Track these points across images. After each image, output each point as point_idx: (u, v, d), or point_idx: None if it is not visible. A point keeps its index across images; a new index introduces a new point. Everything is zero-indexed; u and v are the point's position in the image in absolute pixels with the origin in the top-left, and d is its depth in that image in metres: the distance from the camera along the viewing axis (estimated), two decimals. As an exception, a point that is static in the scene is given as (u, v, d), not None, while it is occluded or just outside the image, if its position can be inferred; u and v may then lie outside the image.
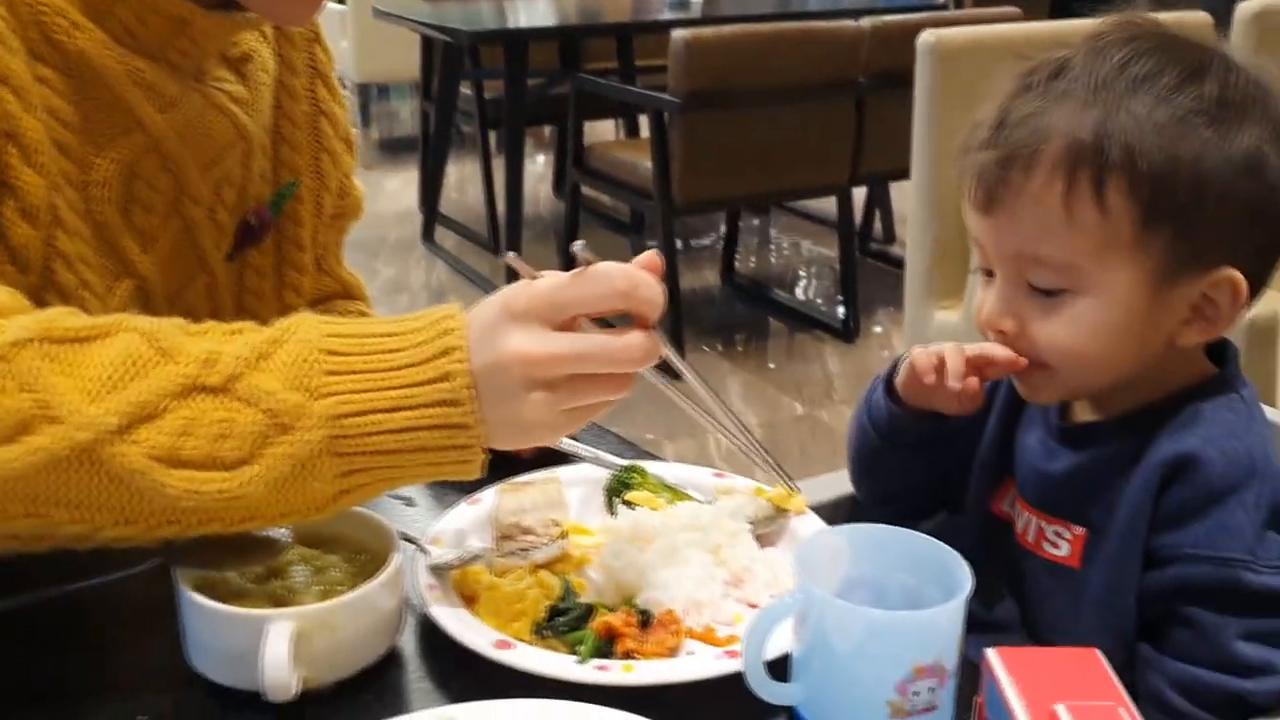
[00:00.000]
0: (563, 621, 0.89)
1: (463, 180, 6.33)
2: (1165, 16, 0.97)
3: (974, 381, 1.00)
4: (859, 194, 4.68)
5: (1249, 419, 0.95)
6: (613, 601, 0.93)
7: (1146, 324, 0.93)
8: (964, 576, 0.80)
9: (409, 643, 0.92)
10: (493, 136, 5.39)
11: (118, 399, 0.76)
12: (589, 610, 0.90)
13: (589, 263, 0.80)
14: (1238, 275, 0.92)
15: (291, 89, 1.16)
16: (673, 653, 0.88)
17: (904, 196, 2.95)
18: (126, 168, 0.96)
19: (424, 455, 0.78)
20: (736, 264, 4.93)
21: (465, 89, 5.15)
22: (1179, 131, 0.89)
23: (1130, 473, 0.94)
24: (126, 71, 0.94)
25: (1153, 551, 0.93)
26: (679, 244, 5.34)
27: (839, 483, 1.27)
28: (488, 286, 4.61)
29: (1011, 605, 1.04)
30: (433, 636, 0.90)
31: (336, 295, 1.29)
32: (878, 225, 5.22)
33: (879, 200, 5.13)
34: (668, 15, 4.87)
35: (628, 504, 1.05)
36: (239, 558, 0.87)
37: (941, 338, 2.74)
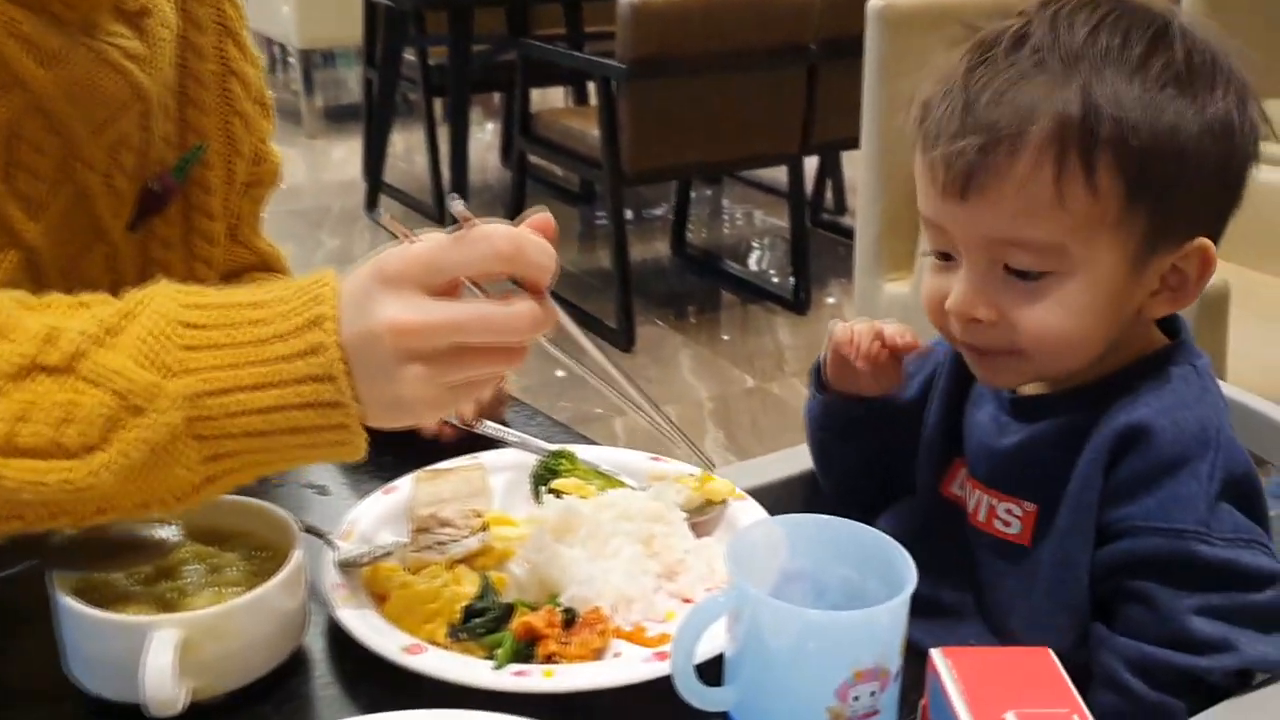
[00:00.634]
0: (480, 623, 0.82)
1: (409, 149, 6.21)
2: None
3: (879, 353, 0.99)
4: (810, 164, 4.63)
5: (1202, 390, 0.92)
6: (535, 599, 0.87)
7: (1122, 301, 0.90)
8: (908, 572, 0.74)
9: (316, 644, 0.86)
10: (439, 104, 5.28)
11: None
12: (509, 610, 0.84)
13: (468, 222, 0.72)
14: (1208, 244, 0.90)
15: (198, 47, 1.08)
16: (598, 655, 0.82)
17: (856, 166, 2.91)
18: (6, 128, 0.89)
19: (296, 436, 0.72)
20: (688, 235, 4.86)
21: (410, 55, 5.04)
22: (1157, 102, 0.85)
23: (1081, 445, 0.91)
24: (1, 22, 0.86)
25: (1104, 526, 0.89)
26: (629, 214, 5.28)
27: (792, 460, 1.21)
28: (434, 258, 4.52)
29: (965, 589, 0.99)
30: (341, 639, 0.84)
31: (253, 267, 1.22)
32: (829, 195, 5.17)
33: (830, 170, 5.08)
34: (616, -20, 4.77)
35: (555, 492, 0.99)
36: (123, 558, 0.79)
37: (892, 309, 2.71)
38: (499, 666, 0.79)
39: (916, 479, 1.05)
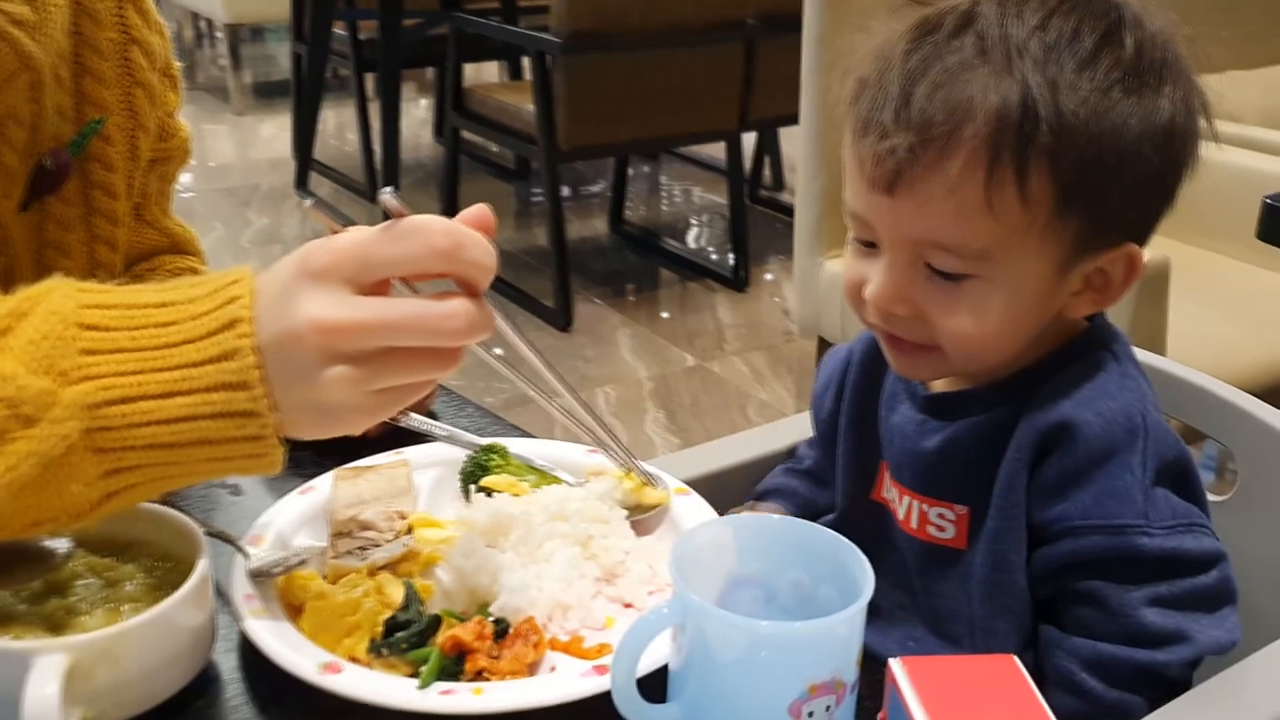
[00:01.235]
0: (403, 637, 0.76)
1: (340, 126, 6.09)
2: None
3: None
4: (749, 140, 4.58)
5: (1122, 376, 0.89)
6: (464, 609, 0.80)
7: (1044, 304, 0.87)
8: (864, 576, 0.69)
9: (226, 662, 0.79)
10: (370, 80, 5.16)
11: None
12: (435, 622, 0.77)
13: (401, 215, 0.67)
14: (1136, 250, 0.87)
15: (94, 13, 1.00)
16: (532, 670, 0.76)
17: (794, 143, 2.86)
18: None
19: (206, 449, 0.65)
20: (626, 212, 4.80)
21: (340, 30, 4.92)
22: (1101, 104, 0.80)
23: (1004, 443, 0.88)
24: None
25: (1041, 527, 0.86)
26: (566, 192, 5.21)
27: (737, 447, 1.15)
28: (366, 237, 4.42)
29: (902, 591, 0.95)
30: (253, 656, 0.77)
31: (162, 250, 1.15)
32: (767, 172, 5.13)
33: (769, 146, 5.04)
34: (550, -47, 4.68)
35: (485, 491, 0.92)
36: (6, 573, 0.72)
37: (832, 287, 2.66)
38: (424, 685, 0.72)
39: (840, 489, 1.02)
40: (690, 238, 4.82)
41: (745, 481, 1.13)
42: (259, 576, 0.81)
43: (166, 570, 0.77)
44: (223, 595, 0.82)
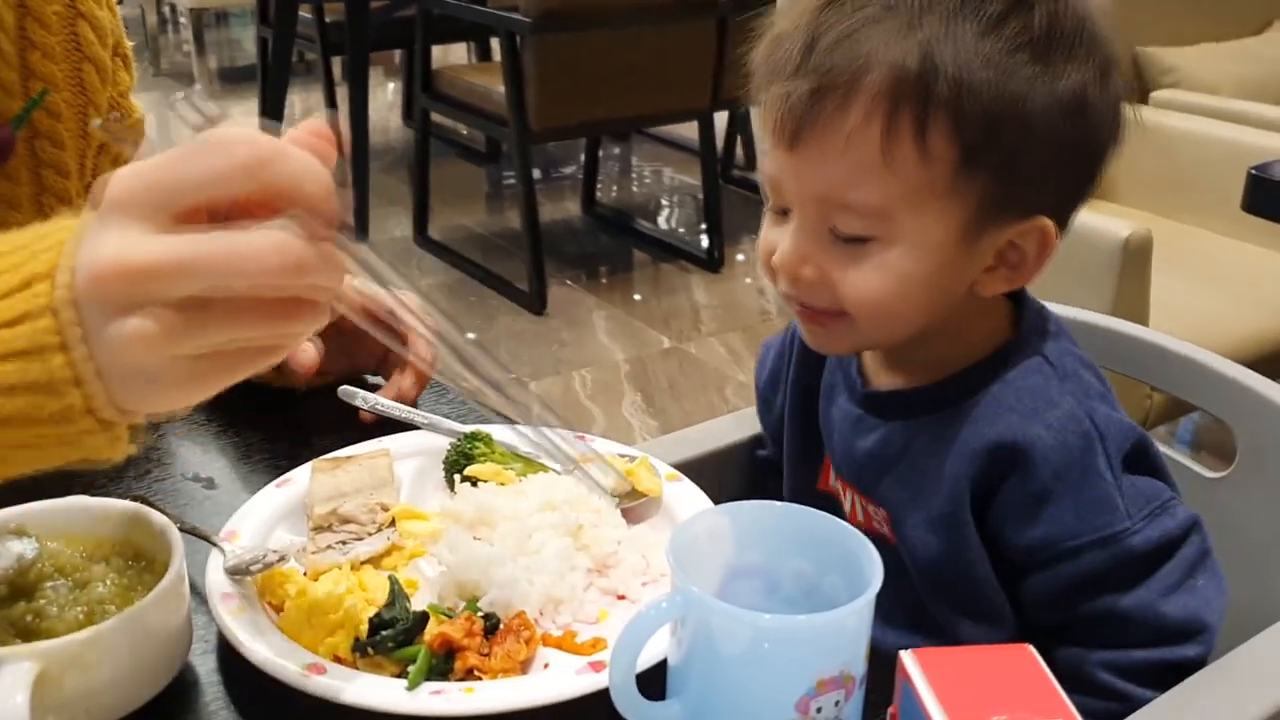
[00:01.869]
0: (389, 635, 0.72)
1: (307, 110, 6.02)
2: None
3: None
4: (720, 119, 4.54)
5: (1060, 378, 0.87)
6: (451, 605, 0.77)
7: (952, 273, 0.85)
8: (871, 565, 0.66)
9: (203, 665, 0.75)
10: (337, 63, 5.09)
11: None
12: (422, 619, 0.74)
13: (212, 123, 0.57)
14: (1049, 224, 0.85)
15: None
16: (524, 667, 0.73)
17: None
18: None
19: (9, 432, 0.56)
20: (598, 194, 4.76)
21: (306, 13, 4.85)
22: (1006, 66, 0.79)
23: (945, 452, 0.87)
24: None
25: (1025, 552, 0.85)
26: (538, 174, 5.16)
27: (725, 429, 1.12)
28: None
29: None
30: (232, 658, 0.73)
31: None
32: (740, 151, 5.09)
33: (741, 126, 5.00)
34: (518, -68, 4.62)
35: (470, 480, 0.89)
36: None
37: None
38: (412, 686, 0.69)
39: (787, 482, 1.02)
40: (663, 219, 4.79)
41: (730, 466, 1.10)
42: (236, 574, 0.77)
43: (139, 570, 0.73)
44: (198, 594, 0.78)
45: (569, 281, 4.04)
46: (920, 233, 0.81)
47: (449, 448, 0.93)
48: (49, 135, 0.99)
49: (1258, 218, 1.95)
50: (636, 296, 3.98)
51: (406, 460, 0.94)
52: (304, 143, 0.57)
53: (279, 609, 0.77)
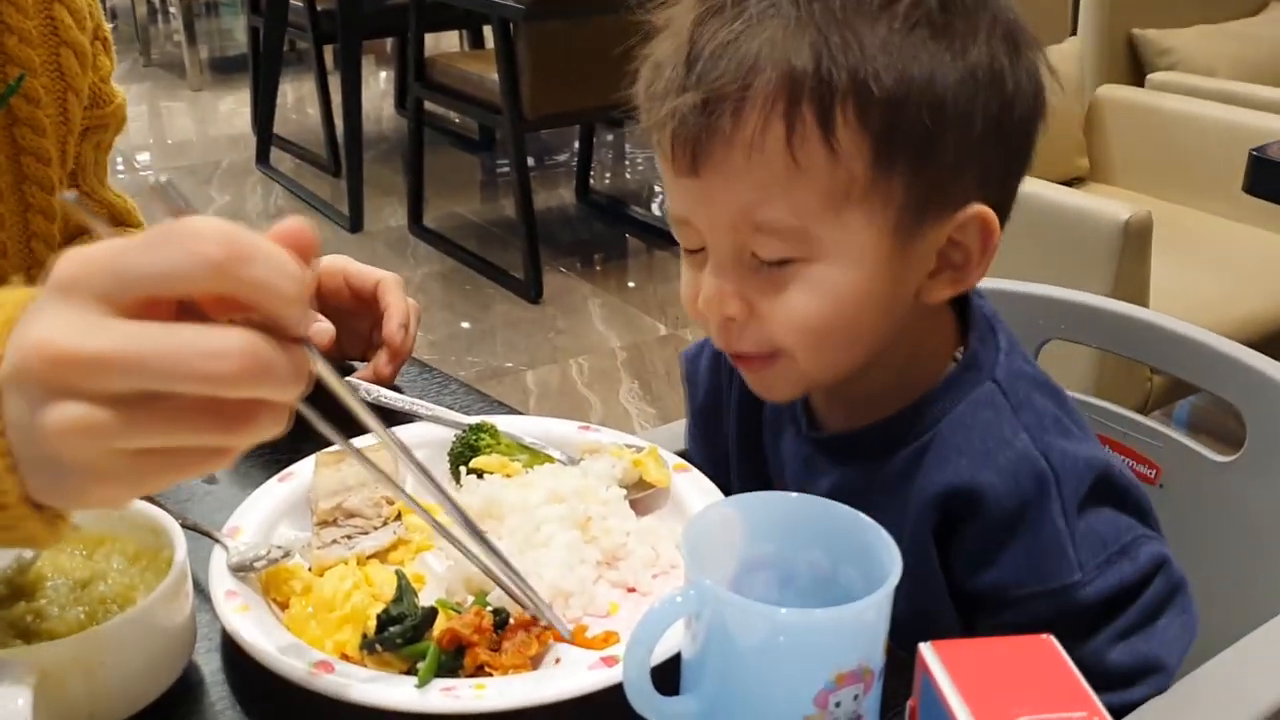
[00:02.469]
0: (397, 632, 0.71)
1: (300, 100, 6.00)
2: None
3: None
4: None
5: (1015, 408, 0.82)
6: (460, 600, 0.76)
7: (890, 284, 0.79)
8: (890, 557, 0.64)
9: (207, 664, 0.74)
10: (329, 52, 5.07)
11: None
12: (430, 615, 0.72)
13: (179, 213, 0.51)
14: (987, 211, 0.79)
15: None
16: (535, 662, 0.72)
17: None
18: None
19: None
20: (592, 181, 4.74)
21: (297, 1, 4.82)
22: (907, 47, 0.74)
23: (905, 498, 0.83)
24: None
25: (976, 596, 0.82)
26: (531, 162, 5.14)
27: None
28: (328, 210, 4.36)
29: None
30: (237, 657, 0.72)
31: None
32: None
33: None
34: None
35: (476, 473, 0.87)
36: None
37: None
38: (422, 684, 0.68)
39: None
40: (657, 205, 4.77)
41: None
42: (240, 571, 0.76)
43: (141, 569, 0.72)
44: (201, 592, 0.77)
45: (564, 269, 4.02)
46: (846, 244, 0.76)
47: (454, 440, 0.92)
48: (28, 122, 0.97)
49: (1256, 199, 1.95)
50: (631, 284, 3.97)
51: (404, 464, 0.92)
52: (281, 241, 0.51)
53: (284, 606, 0.75)
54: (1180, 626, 0.83)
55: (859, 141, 0.74)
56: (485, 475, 0.87)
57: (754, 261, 0.78)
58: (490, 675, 0.70)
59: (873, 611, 0.63)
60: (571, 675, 0.69)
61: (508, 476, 0.87)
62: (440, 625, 0.72)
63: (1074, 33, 2.97)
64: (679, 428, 1.09)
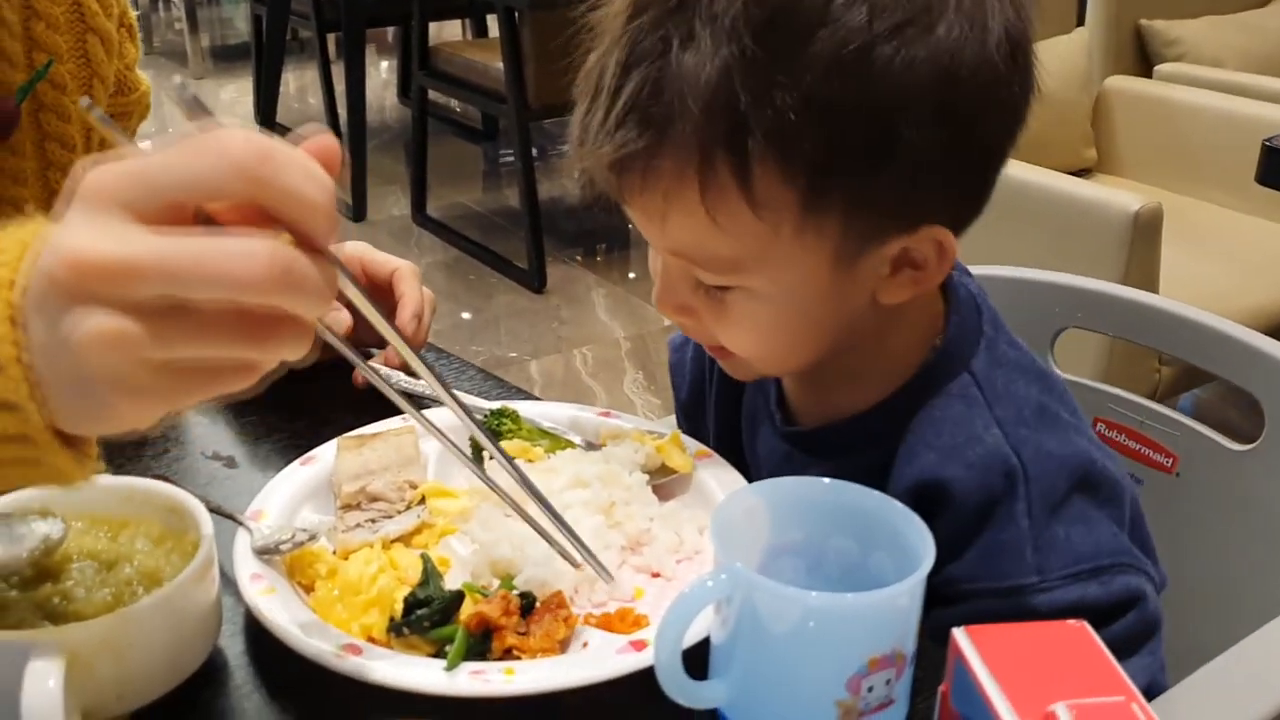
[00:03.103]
0: (425, 614, 0.71)
1: (302, 89, 5.98)
2: None
3: None
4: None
5: (990, 401, 0.80)
6: (486, 584, 0.75)
7: (836, 301, 0.76)
8: (923, 543, 0.64)
9: (232, 648, 0.74)
10: (331, 40, 5.05)
11: None
12: (457, 598, 0.72)
13: (205, 121, 0.50)
14: (943, 233, 0.75)
15: None
16: (563, 646, 0.71)
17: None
18: None
19: None
20: (595, 171, 4.73)
21: (299, -11, 4.81)
22: (847, 72, 0.66)
23: (876, 488, 0.79)
24: None
25: (935, 588, 0.77)
26: (535, 152, 5.12)
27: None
28: (332, 200, 4.34)
29: None
30: (261, 641, 0.72)
31: None
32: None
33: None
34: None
35: (498, 457, 0.87)
36: (-4, 559, 0.66)
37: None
38: (451, 666, 0.67)
39: None
40: (662, 196, 4.76)
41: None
42: (265, 554, 0.76)
43: (166, 550, 0.71)
44: (224, 575, 0.76)
45: (566, 260, 4.02)
46: (783, 277, 0.73)
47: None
48: (54, 108, 0.97)
49: (1267, 190, 1.94)
50: (634, 274, 3.96)
51: (431, 438, 0.92)
52: (310, 151, 0.50)
53: (309, 589, 0.75)
54: (1145, 673, 0.79)
55: (783, 192, 0.69)
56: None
57: (697, 281, 0.76)
58: (518, 658, 0.69)
59: (906, 597, 0.63)
60: (601, 659, 0.69)
61: (530, 461, 0.87)
62: (467, 609, 0.71)
63: (1081, 23, 2.96)
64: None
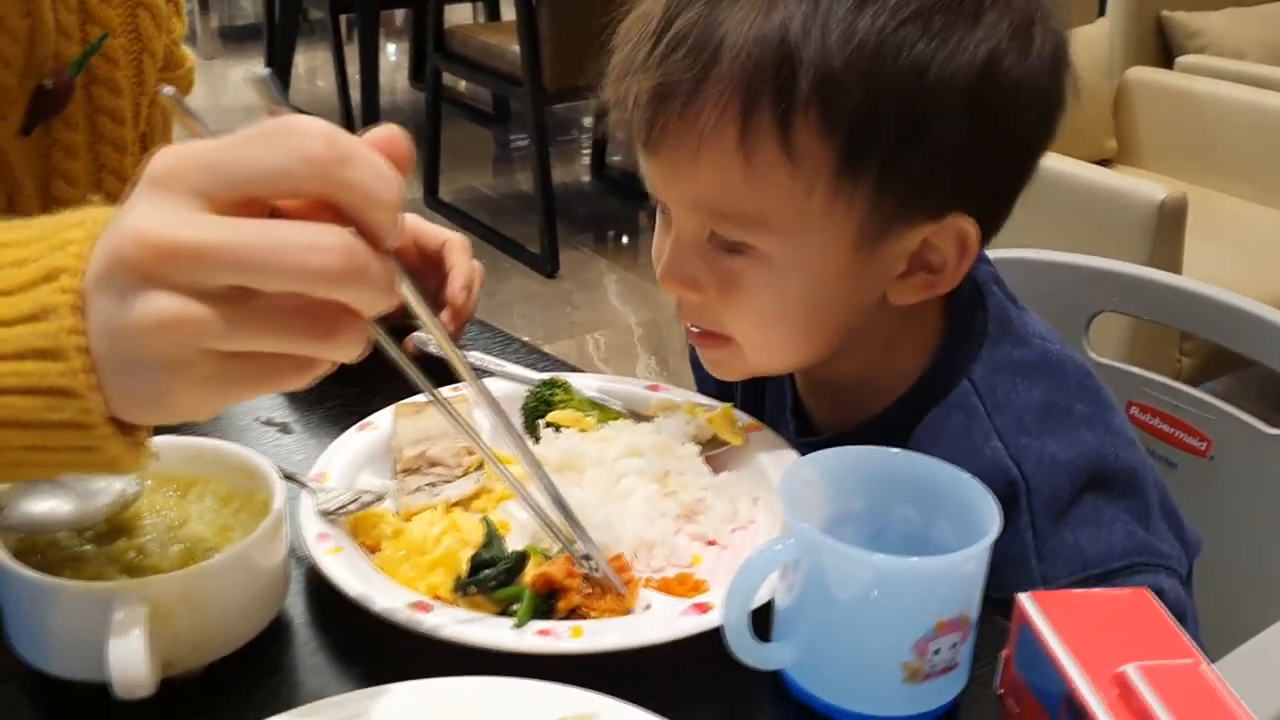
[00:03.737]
0: (490, 574, 0.71)
1: (313, 70, 5.98)
2: None
3: None
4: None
5: (990, 409, 0.79)
6: (548, 546, 0.76)
7: (848, 290, 0.76)
8: (989, 512, 0.65)
9: (295, 607, 0.74)
10: (344, 22, 5.05)
11: None
12: (522, 559, 0.73)
13: (277, 109, 0.51)
14: (965, 224, 0.75)
15: None
16: (627, 608, 0.72)
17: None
18: None
19: (21, 433, 0.50)
20: (607, 157, 4.73)
21: (313, -30, 4.81)
22: (890, 45, 0.68)
23: None
24: None
25: None
26: (546, 136, 5.14)
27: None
28: (345, 183, 4.34)
29: None
30: (327, 600, 0.73)
31: None
32: (751, 114, 5.06)
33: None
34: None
35: (553, 426, 0.88)
36: (70, 512, 0.67)
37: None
38: (520, 624, 0.68)
39: None
40: (673, 182, 4.77)
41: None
42: (329, 515, 0.76)
43: (235, 509, 0.72)
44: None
45: (578, 245, 4.02)
46: (804, 246, 0.73)
47: (527, 394, 0.92)
48: (106, 82, 0.97)
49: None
50: (646, 260, 3.96)
51: (481, 407, 0.93)
52: (380, 148, 0.50)
53: (373, 550, 0.76)
54: None
55: (821, 148, 0.69)
56: (561, 429, 0.87)
57: (714, 241, 0.76)
58: (584, 618, 0.70)
59: (974, 562, 0.64)
60: (667, 620, 0.70)
61: (584, 430, 0.87)
62: (532, 570, 0.72)
63: (1103, 14, 2.97)
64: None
